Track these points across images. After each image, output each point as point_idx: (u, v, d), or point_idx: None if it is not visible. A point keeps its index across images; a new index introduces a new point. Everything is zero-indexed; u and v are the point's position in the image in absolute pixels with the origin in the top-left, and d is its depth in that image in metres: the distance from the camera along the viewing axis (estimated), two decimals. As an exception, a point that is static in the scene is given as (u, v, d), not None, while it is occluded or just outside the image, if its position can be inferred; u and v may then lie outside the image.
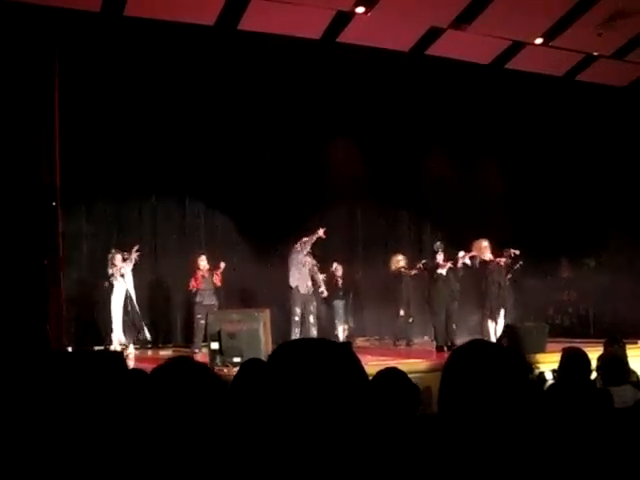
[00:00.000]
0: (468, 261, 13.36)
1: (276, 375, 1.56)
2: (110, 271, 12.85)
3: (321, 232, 13.01)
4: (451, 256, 13.44)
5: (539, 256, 14.99)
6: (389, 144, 16.38)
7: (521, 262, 13.92)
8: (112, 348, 12.47)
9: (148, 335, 13.13)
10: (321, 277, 13.79)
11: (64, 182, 11.68)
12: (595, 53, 14.55)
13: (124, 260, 12.92)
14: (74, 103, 12.59)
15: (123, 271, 12.87)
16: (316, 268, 13.52)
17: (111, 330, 12.79)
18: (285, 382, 1.52)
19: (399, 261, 14.90)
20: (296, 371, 1.53)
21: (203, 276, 13.49)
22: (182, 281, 14.12)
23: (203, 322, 12.89)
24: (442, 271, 13.26)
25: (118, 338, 12.71)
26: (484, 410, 1.76)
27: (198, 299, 13.54)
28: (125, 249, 13.05)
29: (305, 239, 13.10)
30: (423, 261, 13.94)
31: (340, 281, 14.79)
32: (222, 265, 13.59)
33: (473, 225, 15.80)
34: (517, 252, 13.59)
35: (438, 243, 13.65)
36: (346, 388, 1.53)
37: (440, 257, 13.35)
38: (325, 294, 13.94)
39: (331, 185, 16.19)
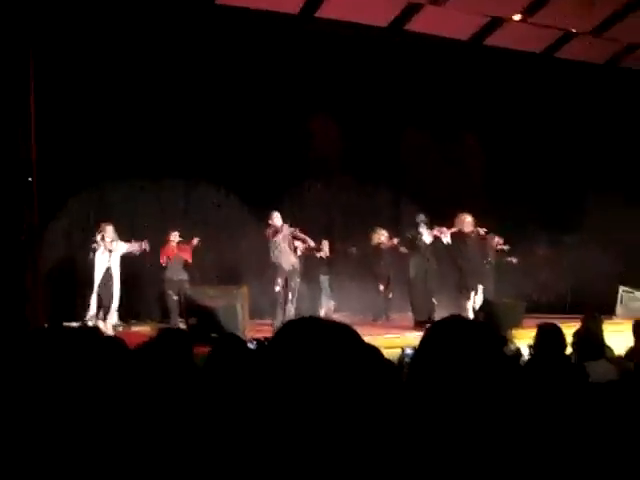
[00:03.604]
0: (449, 239, 13.33)
1: (284, 356, 1.58)
2: (96, 245, 12.65)
3: (286, 229, 12.85)
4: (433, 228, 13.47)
5: (517, 233, 15.05)
6: (367, 119, 16.32)
7: (514, 260, 14.09)
8: (89, 324, 12.36)
9: (116, 320, 12.97)
10: (303, 235, 13.53)
11: (40, 157, 11.56)
12: (574, 30, 14.58)
13: (127, 241, 12.84)
14: (50, 75, 12.43)
15: (112, 246, 12.72)
16: (296, 231, 13.21)
17: (88, 306, 12.68)
18: (294, 364, 1.54)
19: (380, 236, 14.90)
20: (307, 352, 1.56)
21: (173, 250, 13.42)
22: (159, 257, 14.09)
23: (176, 298, 12.88)
24: (426, 239, 13.23)
25: (92, 314, 12.59)
26: (458, 384, 1.77)
27: (168, 275, 13.45)
28: (101, 224, 12.92)
29: (274, 227, 12.85)
30: (408, 235, 13.82)
31: (326, 256, 14.79)
32: (195, 241, 13.51)
33: (452, 200, 15.81)
34: (505, 247, 13.68)
35: (422, 215, 13.57)
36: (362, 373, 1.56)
37: (423, 230, 13.34)
38: (312, 244, 13.83)
39: (309, 160, 16.15)
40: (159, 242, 13.81)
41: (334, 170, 16.38)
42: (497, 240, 13.87)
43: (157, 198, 15.01)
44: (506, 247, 14.05)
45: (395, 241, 14.60)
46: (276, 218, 12.80)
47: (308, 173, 16.07)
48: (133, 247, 12.92)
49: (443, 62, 15.39)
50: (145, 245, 12.98)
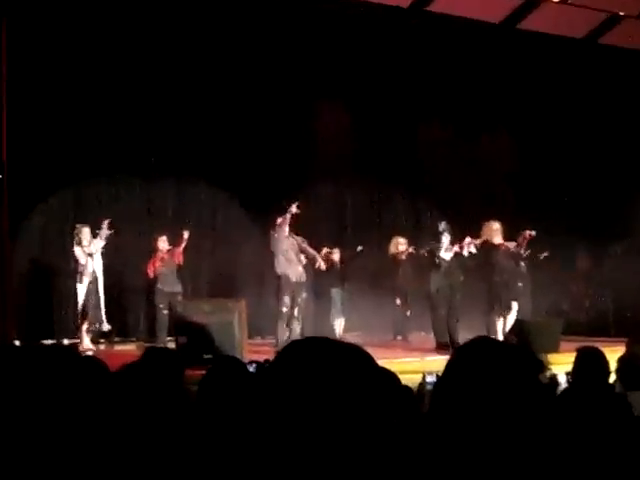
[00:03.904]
0: (474, 249, 13.26)
1: (284, 382, 1.57)
2: (76, 251, 12.71)
3: (294, 208, 12.77)
4: (457, 240, 13.35)
5: (553, 241, 14.98)
6: (383, 111, 16.26)
7: (546, 254, 14.01)
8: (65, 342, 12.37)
9: (107, 326, 13.01)
10: (312, 250, 13.62)
11: (11, 154, 11.59)
12: (620, 13, 14.54)
13: (94, 237, 12.82)
14: (23, 67, 12.49)
15: (91, 249, 12.73)
16: (305, 244, 13.31)
17: (73, 319, 12.70)
18: (295, 392, 1.54)
19: (399, 244, 14.84)
20: (309, 378, 1.55)
21: (162, 258, 13.31)
22: (145, 265, 14.05)
23: (166, 312, 12.82)
24: (446, 255, 13.16)
25: (77, 328, 12.62)
26: (487, 417, 1.75)
27: (159, 286, 13.34)
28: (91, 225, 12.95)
29: (279, 220, 12.87)
30: (427, 248, 13.75)
31: (337, 267, 14.77)
32: (185, 235, 13.35)
33: (478, 205, 15.79)
34: (533, 233, 13.54)
35: (443, 223, 13.41)
36: (369, 401, 1.55)
37: (446, 240, 13.23)
38: (323, 267, 13.86)
39: (316, 157, 16.09)
40: (144, 246, 13.80)
41: (345, 169, 16.30)
42: (528, 233, 13.70)
43: (143, 198, 14.97)
44: (532, 233, 13.90)
45: (411, 249, 14.55)
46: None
47: (315, 173, 15.99)
48: (103, 234, 12.88)
49: (470, 48, 15.34)
50: (105, 223, 12.94)
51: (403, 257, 14.77)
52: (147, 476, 2.39)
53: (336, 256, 14.83)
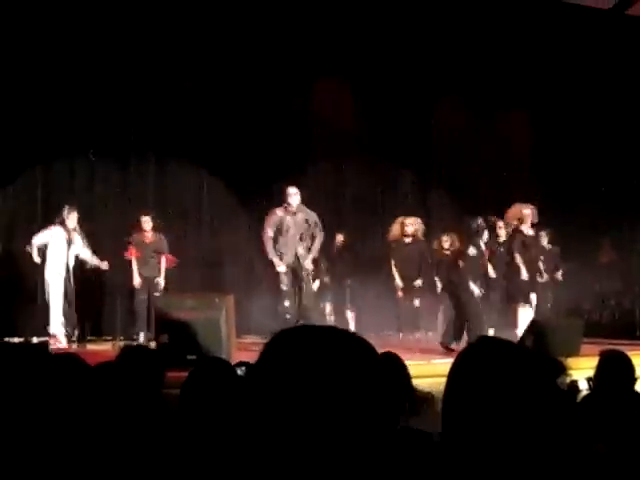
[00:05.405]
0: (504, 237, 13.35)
1: (271, 374, 1.53)
2: (56, 229, 12.58)
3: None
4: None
5: (575, 233, 14.96)
6: (391, 86, 16.20)
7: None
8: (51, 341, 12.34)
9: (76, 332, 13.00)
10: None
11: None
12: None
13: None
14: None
15: (73, 238, 12.69)
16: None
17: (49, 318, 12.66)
18: (283, 387, 1.49)
19: (442, 241, 14.44)
20: (300, 371, 1.49)
21: (144, 240, 13.32)
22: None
23: (143, 297, 12.84)
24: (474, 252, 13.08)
25: (59, 329, 12.57)
26: (499, 428, 1.76)
27: (137, 269, 13.37)
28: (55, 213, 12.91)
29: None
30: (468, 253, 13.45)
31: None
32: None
33: (492, 190, 15.75)
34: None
35: (480, 220, 13.26)
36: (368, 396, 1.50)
37: (484, 237, 13.16)
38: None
39: (315, 136, 16.05)
40: (121, 234, 13.78)
41: (346, 148, 16.25)
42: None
43: (120, 180, 14.95)
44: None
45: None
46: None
47: (315, 154, 15.96)
48: (93, 260, 12.88)
49: (486, 12, 15.28)
50: (104, 265, 12.96)
51: (448, 253, 14.36)
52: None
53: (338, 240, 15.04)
